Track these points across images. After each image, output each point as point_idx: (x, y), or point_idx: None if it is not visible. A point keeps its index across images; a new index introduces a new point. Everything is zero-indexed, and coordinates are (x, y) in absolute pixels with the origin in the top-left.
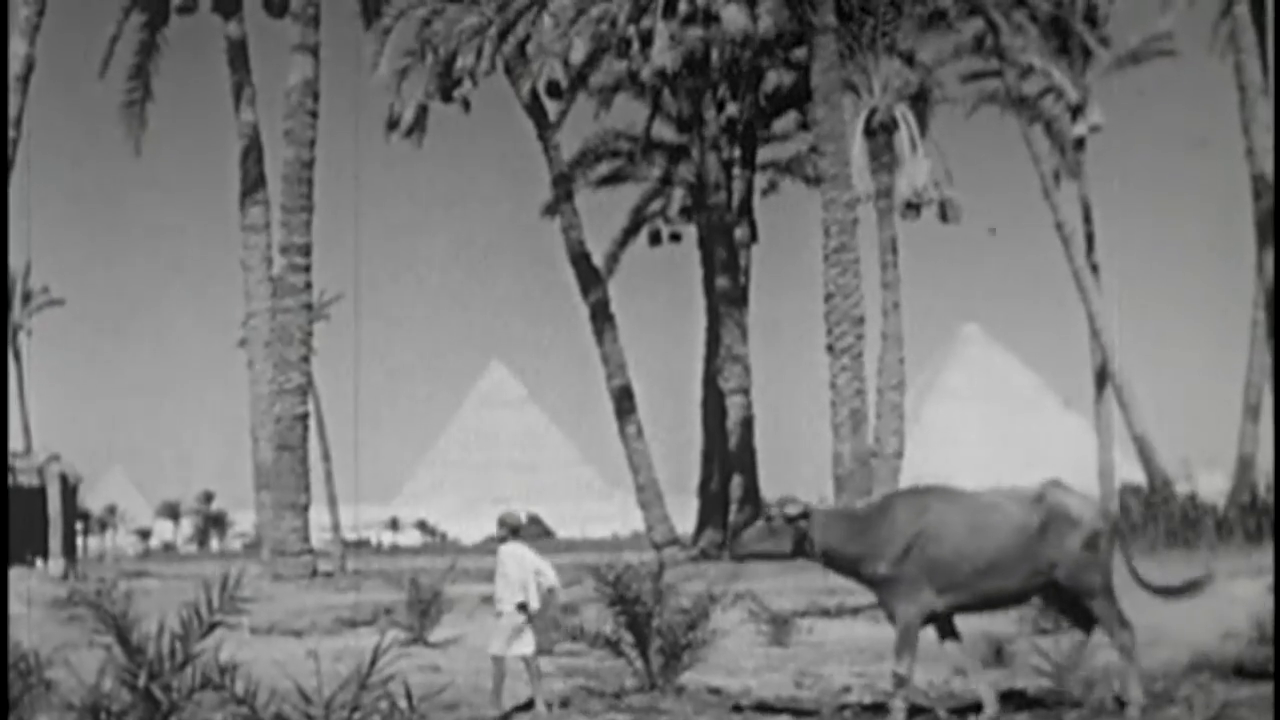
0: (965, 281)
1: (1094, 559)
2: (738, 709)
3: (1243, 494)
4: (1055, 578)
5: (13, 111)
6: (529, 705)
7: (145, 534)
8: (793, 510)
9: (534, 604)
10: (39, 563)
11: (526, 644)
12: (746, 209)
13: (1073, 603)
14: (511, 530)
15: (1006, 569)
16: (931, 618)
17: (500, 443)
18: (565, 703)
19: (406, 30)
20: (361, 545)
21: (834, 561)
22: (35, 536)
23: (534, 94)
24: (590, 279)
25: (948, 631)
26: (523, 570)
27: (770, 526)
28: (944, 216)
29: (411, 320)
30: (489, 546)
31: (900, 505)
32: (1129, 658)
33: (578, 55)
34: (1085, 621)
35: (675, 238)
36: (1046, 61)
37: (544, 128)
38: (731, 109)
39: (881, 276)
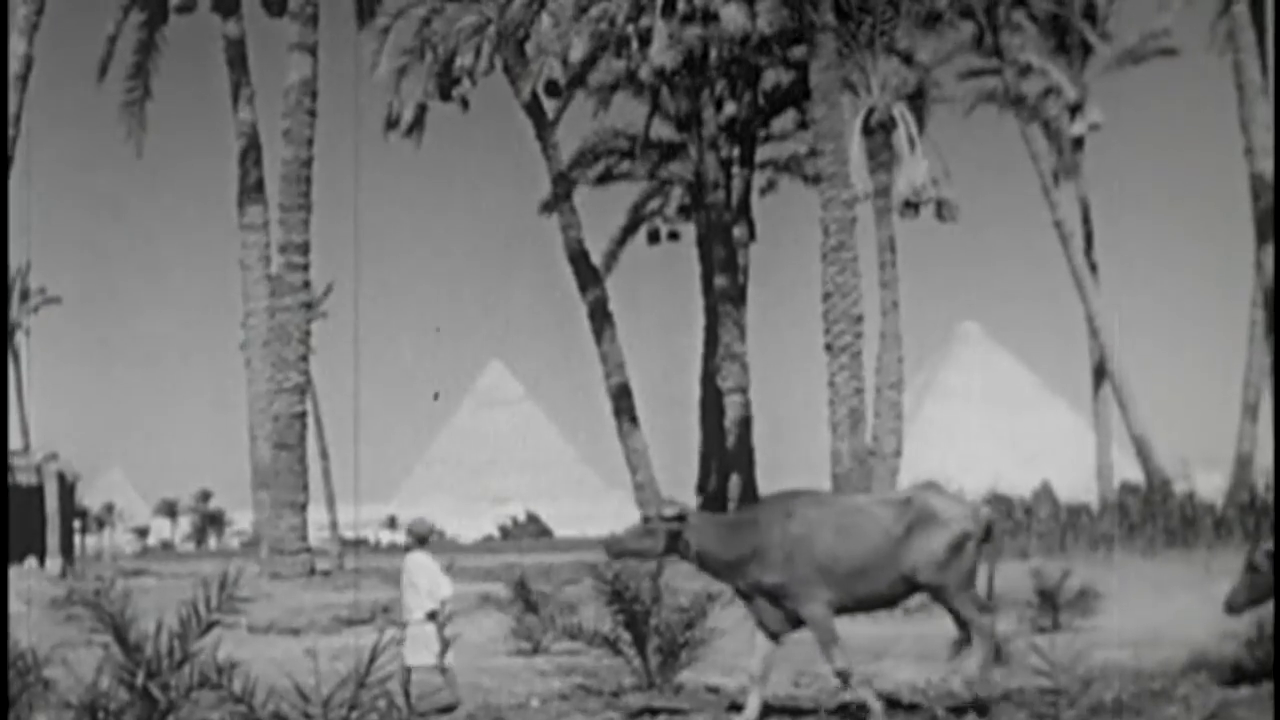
0: (964, 280)
1: (957, 560)
2: (735, 708)
3: (1241, 493)
4: (917, 579)
5: (11, 110)
6: (450, 709)
7: (143, 532)
8: (669, 512)
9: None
10: (33, 561)
11: (432, 652)
12: (745, 208)
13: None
14: (419, 540)
15: (875, 571)
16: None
17: (498, 441)
18: (564, 698)
19: (405, 29)
20: (359, 544)
21: (708, 565)
22: (33, 535)
23: (533, 93)
24: (589, 278)
25: (774, 634)
26: (431, 579)
27: (647, 527)
28: (942, 215)
29: (410, 319)
30: (488, 545)
31: (765, 512)
32: (985, 638)
33: (577, 54)
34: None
35: (674, 236)
36: (1045, 60)
37: (542, 127)
38: (730, 108)
39: (880, 275)
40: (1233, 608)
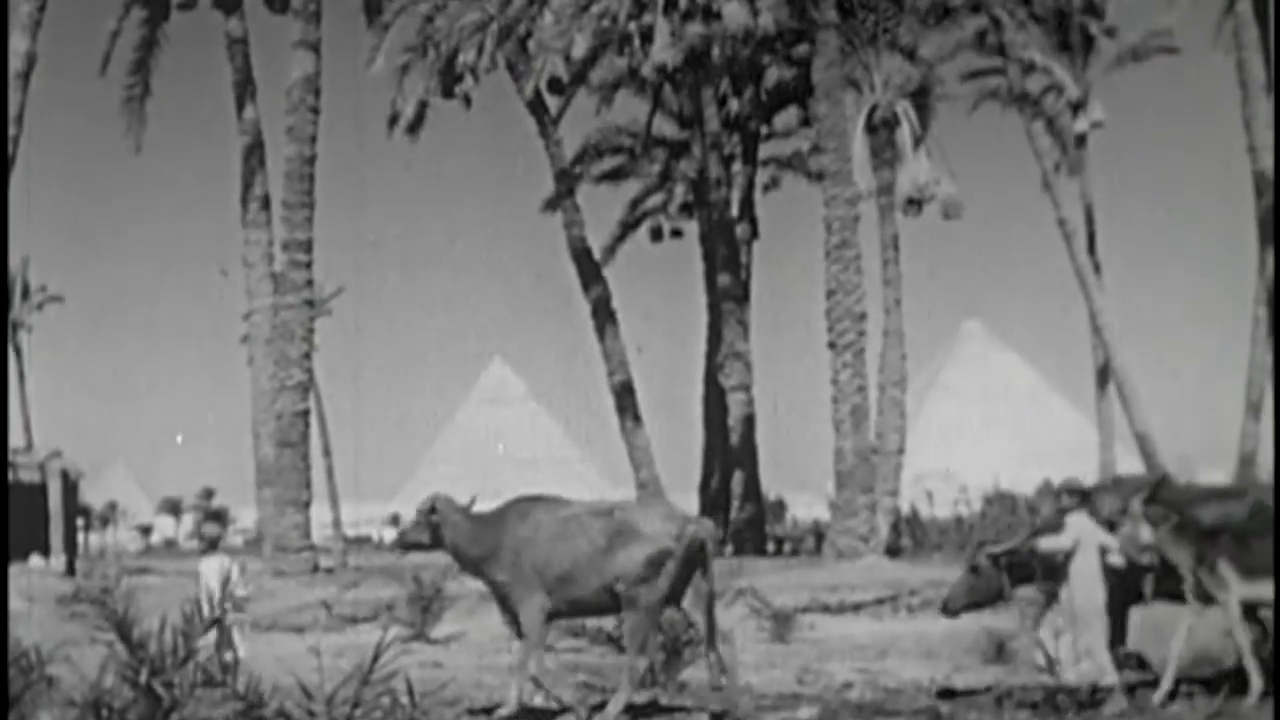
0: (967, 278)
1: (655, 578)
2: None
3: None
4: (617, 590)
5: (14, 108)
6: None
7: (146, 530)
8: (424, 505)
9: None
10: (39, 559)
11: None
12: (748, 205)
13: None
14: (210, 543)
15: (578, 579)
16: (553, 615)
17: (501, 439)
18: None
19: (408, 26)
20: (363, 541)
21: (460, 559)
22: (36, 533)
23: (535, 90)
24: (591, 275)
25: (520, 634)
26: (221, 583)
27: (416, 520)
28: (945, 213)
29: (413, 317)
30: None
31: (511, 513)
32: (629, 681)
33: (579, 51)
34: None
35: (676, 234)
36: (1048, 57)
37: (545, 124)
38: (733, 105)
39: (883, 273)
40: (948, 609)
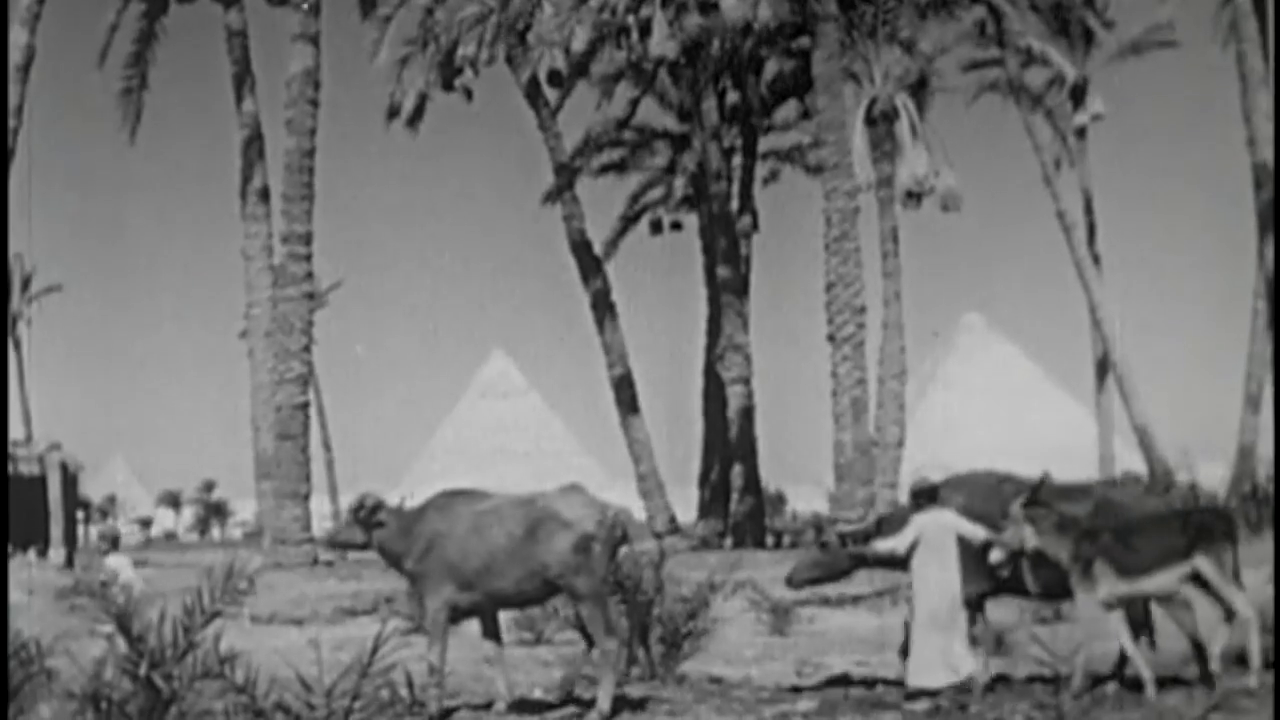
0: (966, 271)
1: (585, 563)
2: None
3: (1243, 484)
4: (549, 579)
5: (13, 100)
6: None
7: (146, 523)
8: (354, 505)
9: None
10: (39, 551)
11: None
12: (747, 198)
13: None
14: (112, 543)
15: (499, 570)
16: (464, 612)
17: (501, 432)
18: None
19: (408, 19)
20: None
21: (385, 556)
22: (36, 526)
23: (534, 82)
24: (591, 268)
25: (490, 631)
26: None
27: (349, 521)
28: (944, 206)
29: (412, 309)
30: None
31: (431, 507)
32: (609, 666)
33: (578, 44)
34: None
35: (676, 226)
36: (1046, 44)
37: (545, 117)
38: (732, 98)
39: (882, 266)
40: (792, 582)
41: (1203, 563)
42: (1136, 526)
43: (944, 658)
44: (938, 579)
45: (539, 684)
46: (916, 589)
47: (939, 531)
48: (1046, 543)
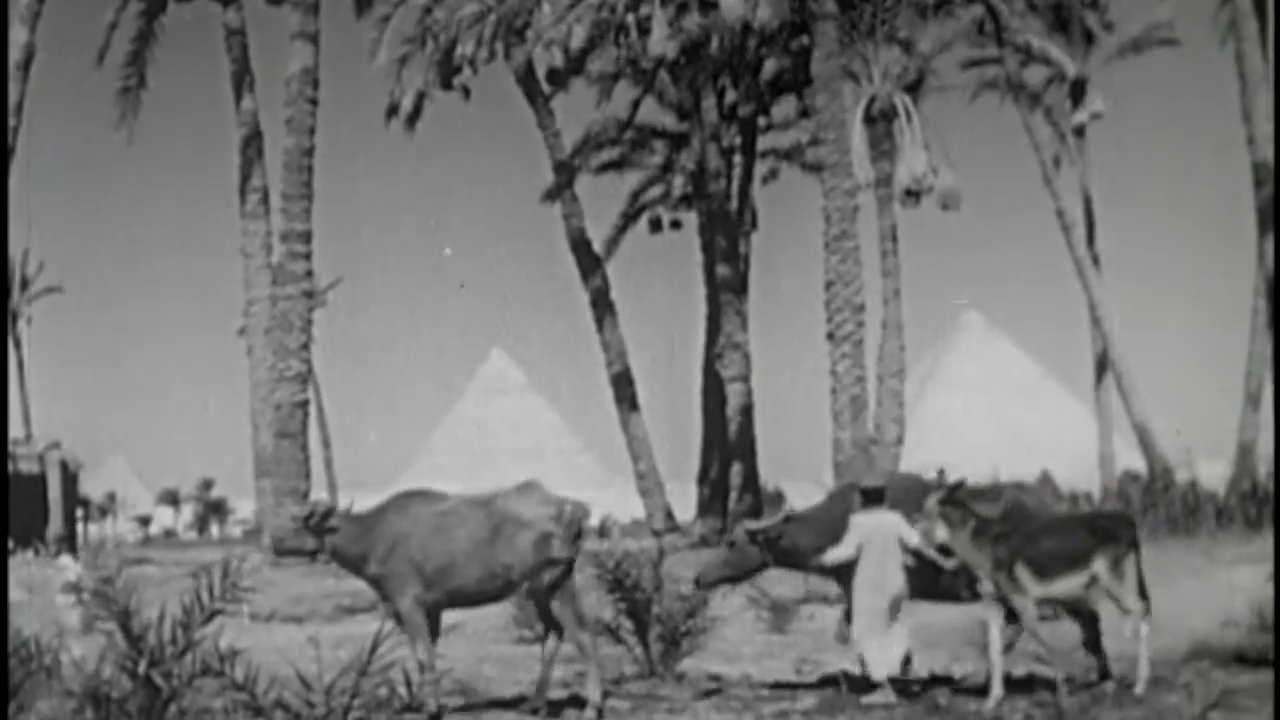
0: (966, 269)
1: (546, 559)
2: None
3: (1243, 481)
4: (512, 578)
5: (13, 99)
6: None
7: (146, 521)
8: (304, 512)
9: None
10: (38, 548)
11: None
12: (746, 196)
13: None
14: (66, 544)
15: (460, 570)
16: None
17: (500, 430)
18: (566, 686)
19: (407, 18)
20: None
21: (341, 560)
22: (35, 523)
23: (534, 81)
24: (590, 266)
25: (433, 630)
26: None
27: (295, 525)
28: (943, 204)
29: (411, 308)
30: None
31: (390, 508)
32: (588, 655)
33: (577, 42)
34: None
35: (675, 225)
36: (1045, 43)
37: (544, 115)
38: (731, 96)
39: (882, 264)
40: (700, 583)
41: (1100, 566)
42: (1044, 530)
43: (885, 655)
44: (881, 580)
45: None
46: (859, 590)
47: (882, 534)
48: (960, 545)
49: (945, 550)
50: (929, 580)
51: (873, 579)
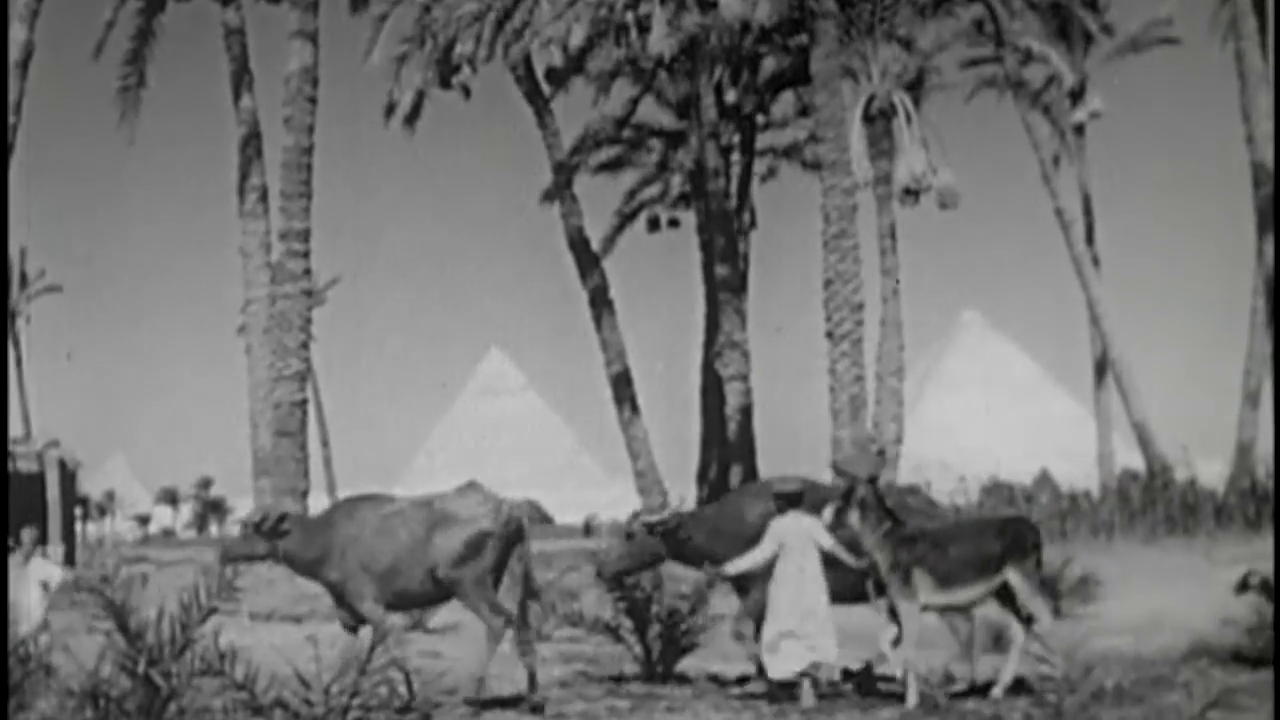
0: (965, 268)
1: (476, 558)
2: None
3: (1242, 480)
4: (438, 575)
5: (12, 97)
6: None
7: (144, 520)
8: (255, 518)
9: None
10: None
11: None
12: (745, 195)
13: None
14: (34, 545)
15: (403, 570)
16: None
17: (499, 429)
18: (565, 685)
19: (406, 17)
20: None
21: (293, 565)
22: (34, 522)
23: (533, 80)
24: (589, 265)
25: (353, 628)
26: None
27: (245, 533)
28: (942, 203)
29: (410, 307)
30: None
31: (338, 513)
32: (495, 641)
33: (576, 41)
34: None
35: (674, 224)
36: (1045, 44)
37: (543, 115)
38: (730, 95)
39: (881, 263)
40: (602, 574)
41: (1013, 574)
42: (952, 537)
43: (805, 653)
44: (800, 584)
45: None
46: (775, 594)
47: (800, 537)
48: (868, 540)
49: (856, 549)
50: (848, 582)
51: (791, 582)
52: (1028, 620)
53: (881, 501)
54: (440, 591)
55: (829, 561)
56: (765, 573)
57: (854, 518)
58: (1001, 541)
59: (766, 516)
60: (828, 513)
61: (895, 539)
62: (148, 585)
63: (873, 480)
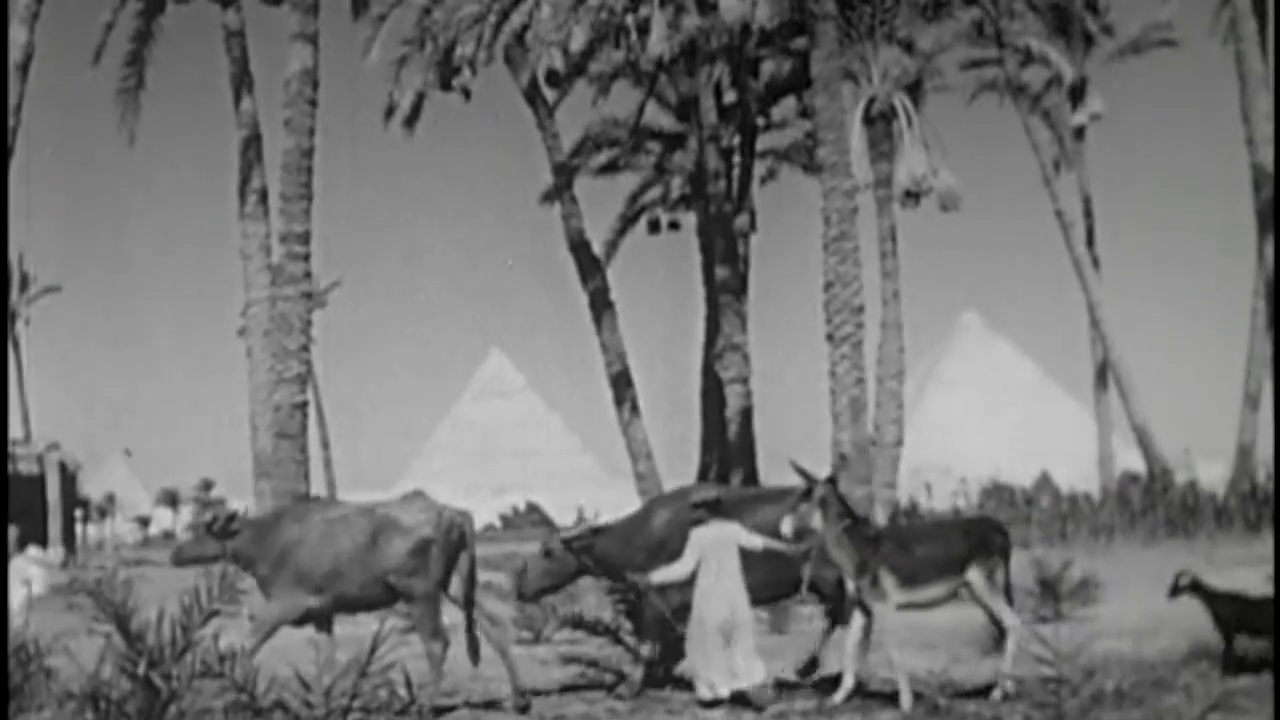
0: (965, 270)
1: (421, 566)
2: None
3: (1243, 483)
4: (389, 582)
5: (12, 99)
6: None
7: (145, 522)
8: (207, 519)
9: None
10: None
11: None
12: (745, 197)
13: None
14: (19, 545)
15: (345, 575)
16: (314, 616)
17: (499, 431)
18: (566, 688)
19: (405, 19)
20: None
21: (239, 561)
22: (34, 524)
23: (533, 82)
24: (590, 267)
25: (324, 627)
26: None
27: (197, 535)
28: (943, 205)
29: (411, 309)
30: (489, 534)
31: (287, 514)
32: (436, 668)
33: (576, 44)
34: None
35: (674, 226)
36: (1044, 44)
37: (543, 116)
38: (730, 97)
39: (881, 265)
40: (523, 594)
41: (974, 575)
42: (917, 537)
43: (730, 667)
44: (722, 592)
45: (538, 684)
46: (699, 604)
47: (720, 545)
48: (830, 538)
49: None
50: (784, 576)
51: (714, 591)
52: (999, 630)
53: (842, 500)
54: (382, 597)
55: (758, 560)
56: (686, 582)
57: (815, 518)
58: (967, 542)
59: (673, 523)
60: (787, 524)
61: (859, 538)
62: (148, 586)
63: (831, 480)
